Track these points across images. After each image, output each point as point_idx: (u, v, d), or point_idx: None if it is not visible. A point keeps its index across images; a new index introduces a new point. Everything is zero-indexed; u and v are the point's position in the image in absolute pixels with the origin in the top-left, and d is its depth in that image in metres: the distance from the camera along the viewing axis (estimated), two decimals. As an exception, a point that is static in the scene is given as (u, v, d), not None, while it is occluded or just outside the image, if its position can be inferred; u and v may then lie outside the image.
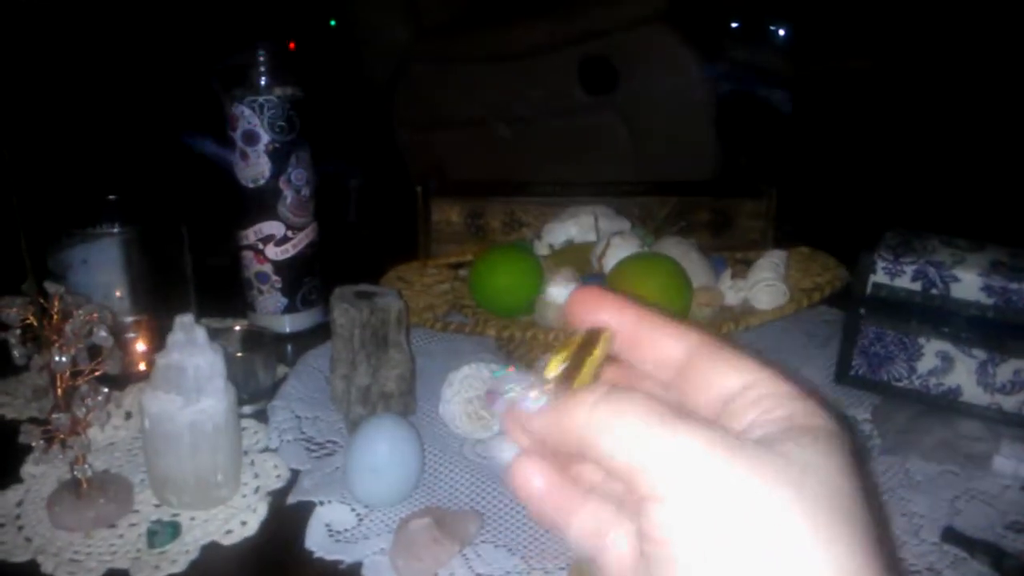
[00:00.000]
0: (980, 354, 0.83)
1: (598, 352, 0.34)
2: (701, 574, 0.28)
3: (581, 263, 0.99)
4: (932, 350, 0.85)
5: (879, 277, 0.86)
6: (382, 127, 2.46)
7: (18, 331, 0.66)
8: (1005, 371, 0.82)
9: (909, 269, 0.84)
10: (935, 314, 0.84)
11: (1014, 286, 0.80)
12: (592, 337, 0.34)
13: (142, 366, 0.93)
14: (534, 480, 0.34)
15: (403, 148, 2.50)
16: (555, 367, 0.33)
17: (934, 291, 0.84)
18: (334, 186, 1.01)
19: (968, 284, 0.82)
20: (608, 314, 0.35)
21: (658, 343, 0.34)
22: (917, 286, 0.84)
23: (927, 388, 0.86)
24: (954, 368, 0.84)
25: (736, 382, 0.32)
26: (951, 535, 0.69)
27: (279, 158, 0.99)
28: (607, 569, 0.34)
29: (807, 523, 0.27)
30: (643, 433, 0.29)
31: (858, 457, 0.30)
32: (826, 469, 0.29)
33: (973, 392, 0.84)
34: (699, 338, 0.34)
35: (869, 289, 0.87)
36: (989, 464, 0.77)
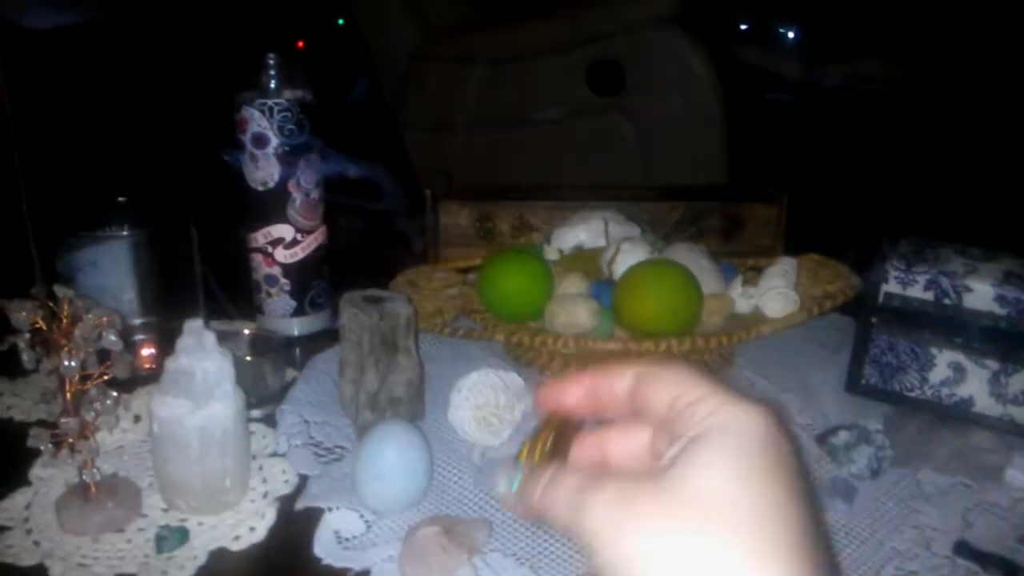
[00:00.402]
0: (993, 365, 0.82)
1: (543, 435, 0.42)
2: None
3: (591, 268, 0.99)
4: (944, 360, 0.84)
5: (891, 286, 0.85)
6: (389, 128, 2.46)
7: (28, 335, 0.66)
8: (1018, 382, 0.82)
9: (922, 279, 0.84)
10: (948, 324, 0.84)
11: (1028, 297, 0.80)
12: (546, 422, 0.42)
13: (150, 368, 0.93)
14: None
15: (408, 149, 2.50)
16: (524, 455, 0.41)
17: (947, 301, 0.83)
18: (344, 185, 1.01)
19: (981, 294, 0.82)
20: (567, 396, 0.42)
21: (609, 389, 0.41)
22: (930, 296, 0.84)
23: (939, 398, 0.85)
24: (966, 379, 0.84)
25: (665, 397, 0.38)
26: (963, 549, 0.68)
27: (289, 161, 0.99)
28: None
29: (727, 548, 0.32)
30: (569, 517, 0.36)
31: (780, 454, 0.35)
32: (721, 473, 0.33)
33: (986, 403, 0.83)
34: (637, 369, 0.40)
35: (881, 298, 0.86)
36: (1002, 476, 0.76)
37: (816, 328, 1.04)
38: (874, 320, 0.87)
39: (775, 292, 0.93)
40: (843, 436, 0.79)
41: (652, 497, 0.34)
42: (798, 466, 0.35)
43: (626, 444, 0.42)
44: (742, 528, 0.32)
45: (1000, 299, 0.81)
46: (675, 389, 0.37)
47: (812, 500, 0.35)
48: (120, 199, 0.97)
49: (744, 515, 0.32)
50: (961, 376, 0.84)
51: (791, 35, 2.94)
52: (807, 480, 0.36)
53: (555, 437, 0.42)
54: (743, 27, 2.88)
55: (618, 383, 0.40)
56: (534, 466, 0.40)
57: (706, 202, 1.16)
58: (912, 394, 0.87)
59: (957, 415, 0.85)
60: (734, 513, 0.32)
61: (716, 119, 2.21)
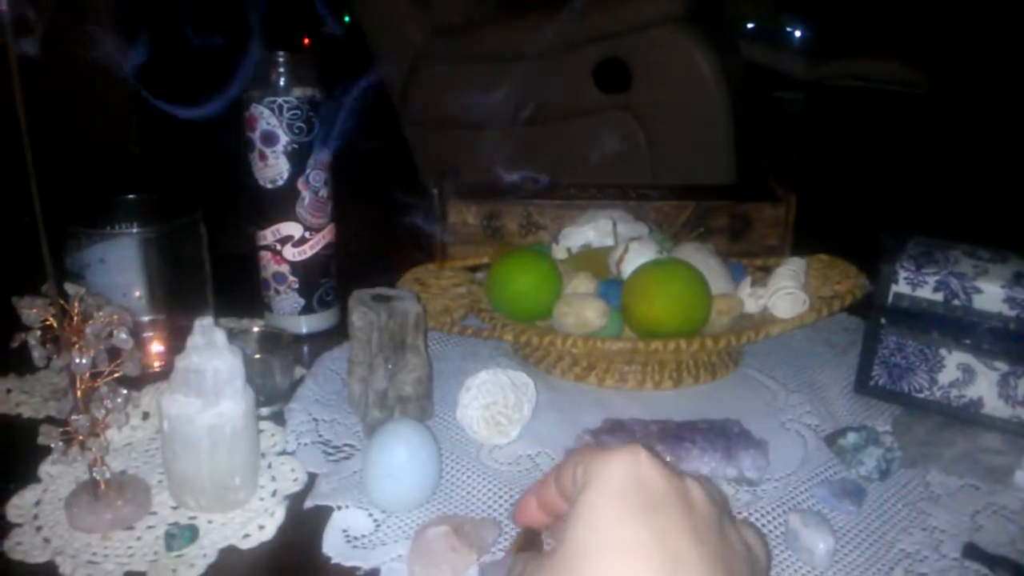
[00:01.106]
0: (1002, 366, 0.82)
1: (518, 540, 0.52)
2: None
3: (599, 268, 0.99)
4: (954, 362, 0.84)
5: (901, 287, 0.85)
6: (395, 126, 2.46)
7: (38, 332, 0.66)
8: (1027, 384, 0.82)
9: (931, 280, 0.84)
10: (957, 325, 0.83)
11: (1038, 298, 0.80)
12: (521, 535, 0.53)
13: (159, 366, 0.93)
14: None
15: (415, 148, 2.50)
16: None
17: (956, 302, 0.83)
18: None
19: (990, 296, 0.82)
20: (529, 515, 0.50)
21: (547, 498, 0.48)
22: (939, 297, 0.84)
23: (948, 400, 0.85)
24: (976, 380, 0.84)
25: (568, 478, 0.45)
26: (972, 551, 0.68)
27: (297, 159, 0.99)
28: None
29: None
30: None
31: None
32: (608, 511, 0.41)
33: (995, 404, 0.83)
34: (548, 475, 0.48)
35: (890, 299, 0.86)
36: (1011, 478, 0.76)
37: (825, 328, 1.04)
38: (883, 321, 0.87)
39: (784, 292, 0.93)
40: (852, 437, 0.79)
41: (548, 560, 0.41)
42: (670, 495, 0.41)
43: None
44: (621, 553, 0.39)
45: (1010, 300, 0.81)
46: (569, 469, 0.44)
47: (697, 523, 0.41)
48: (129, 196, 0.97)
49: (620, 544, 0.39)
50: (970, 377, 0.84)
51: (797, 34, 2.94)
52: (683, 505, 0.42)
53: (525, 537, 0.52)
54: (750, 26, 2.88)
55: (550, 491, 0.47)
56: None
57: (714, 201, 1.16)
58: (921, 395, 0.87)
59: (966, 417, 0.85)
60: (612, 544, 0.39)
61: (723, 118, 2.21)
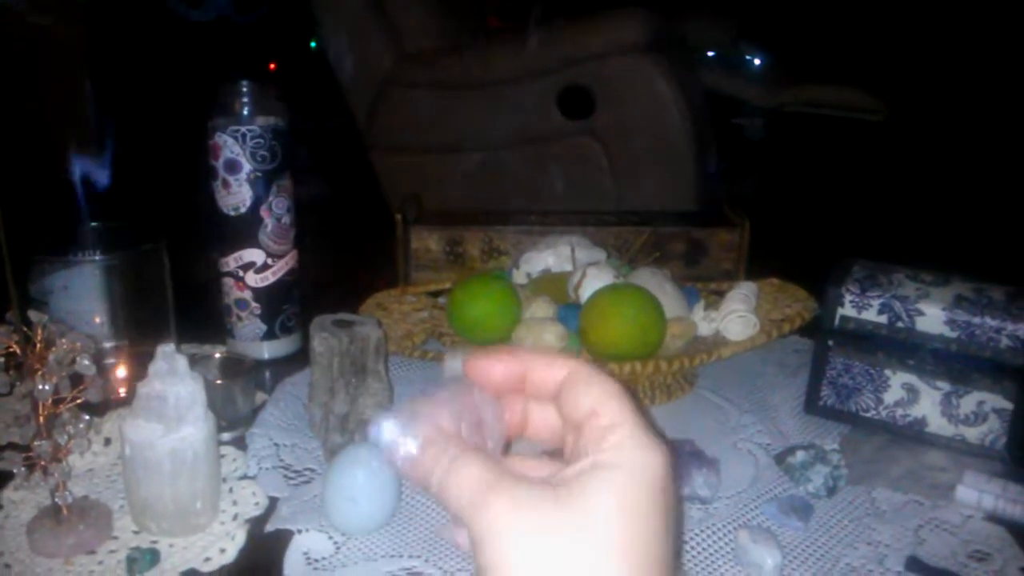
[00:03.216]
0: (944, 386, 0.85)
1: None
2: None
3: (558, 293, 1.01)
4: (898, 382, 0.87)
5: (847, 310, 0.88)
6: (359, 152, 2.48)
7: (1, 359, 0.67)
8: (968, 403, 0.84)
9: (875, 303, 0.87)
10: (901, 347, 0.86)
11: (977, 320, 0.83)
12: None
13: (122, 392, 0.94)
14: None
15: (379, 173, 2.51)
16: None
17: (900, 324, 0.86)
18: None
19: (932, 318, 0.85)
20: (498, 368, 0.42)
21: (540, 375, 0.42)
22: (883, 319, 0.87)
23: (894, 419, 0.88)
24: (919, 400, 0.87)
25: (587, 407, 0.39)
26: (915, 564, 0.71)
27: (260, 187, 1.00)
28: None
29: (587, 557, 0.35)
30: (470, 498, 0.37)
31: (665, 489, 0.37)
32: (612, 504, 0.36)
33: (938, 423, 0.86)
34: (570, 366, 0.41)
35: (837, 322, 0.89)
36: (952, 494, 0.79)
37: (776, 350, 1.07)
38: (831, 343, 0.90)
39: (736, 316, 0.96)
40: (800, 456, 0.82)
41: (547, 503, 0.36)
42: (676, 503, 0.38)
43: (546, 417, 0.43)
44: (623, 553, 0.35)
45: (951, 323, 0.84)
46: (595, 405, 0.39)
47: (679, 533, 0.39)
48: (92, 224, 0.98)
49: (627, 542, 0.35)
50: (914, 397, 0.87)
51: (757, 62, 2.99)
52: (678, 513, 0.40)
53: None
54: (710, 54, 2.93)
55: (551, 373, 0.41)
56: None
57: (670, 228, 1.19)
58: (867, 415, 0.89)
59: (911, 435, 0.87)
60: (619, 538, 0.35)
61: (684, 144, 2.25)
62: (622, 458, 0.37)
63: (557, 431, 0.43)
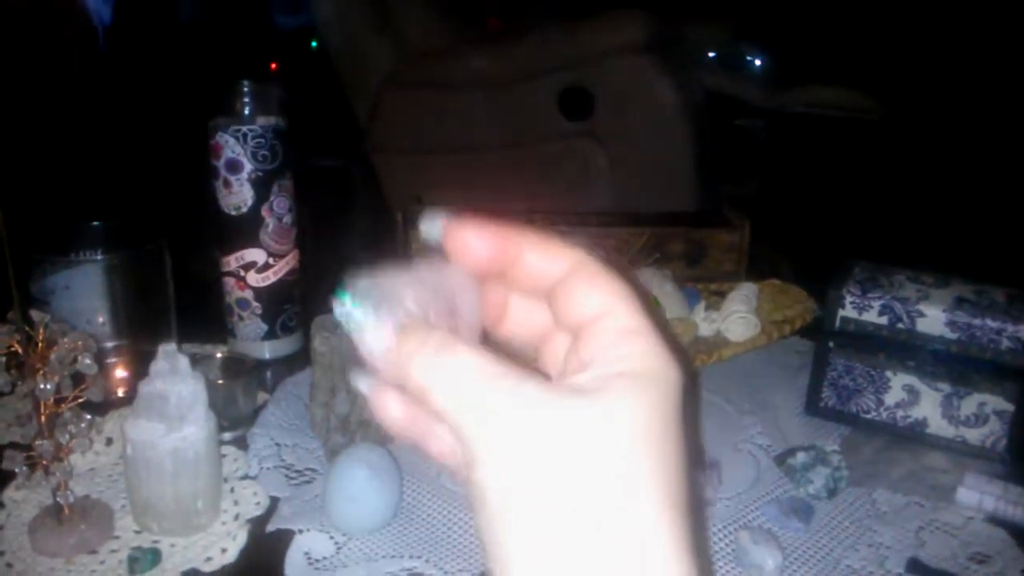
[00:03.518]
0: (945, 387, 0.85)
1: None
2: (512, 530, 0.29)
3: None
4: (899, 383, 0.87)
5: (847, 311, 0.88)
6: (360, 151, 2.48)
7: (3, 358, 0.67)
8: (969, 404, 0.85)
9: (876, 304, 0.87)
10: (901, 348, 0.87)
11: (977, 322, 0.83)
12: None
13: (123, 392, 0.94)
14: (392, 410, 0.35)
15: (380, 174, 2.52)
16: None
17: (900, 326, 0.86)
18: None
19: (933, 319, 0.85)
20: (484, 242, 0.34)
21: (534, 263, 0.34)
22: (884, 321, 0.87)
23: (894, 420, 0.88)
24: (920, 401, 0.87)
25: (594, 308, 0.33)
26: (916, 566, 0.71)
27: (262, 186, 1.00)
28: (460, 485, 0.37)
29: (612, 481, 0.29)
30: (463, 395, 0.31)
31: (681, 406, 0.32)
32: (631, 420, 0.30)
33: (939, 424, 0.86)
34: (578, 257, 0.34)
35: (838, 323, 0.89)
36: (953, 496, 0.79)
37: (777, 351, 1.07)
38: (831, 344, 0.90)
39: (737, 317, 0.96)
40: (801, 457, 0.82)
41: (561, 411, 0.29)
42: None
43: (530, 313, 0.37)
44: (652, 483, 0.29)
45: (951, 324, 0.84)
46: (606, 306, 0.33)
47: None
48: (94, 223, 0.98)
49: (656, 471, 0.29)
50: (915, 398, 0.87)
51: (757, 63, 2.99)
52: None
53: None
54: (711, 55, 2.93)
55: (549, 262, 0.34)
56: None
57: (670, 228, 1.19)
58: (868, 416, 0.89)
59: (911, 436, 0.88)
60: (648, 465, 0.29)
61: (684, 144, 2.25)
62: (649, 369, 0.31)
63: (538, 331, 0.37)
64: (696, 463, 0.79)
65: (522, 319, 0.37)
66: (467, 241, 0.34)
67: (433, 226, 0.34)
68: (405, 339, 0.32)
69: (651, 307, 0.34)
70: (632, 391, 0.30)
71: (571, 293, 0.33)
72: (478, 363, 0.31)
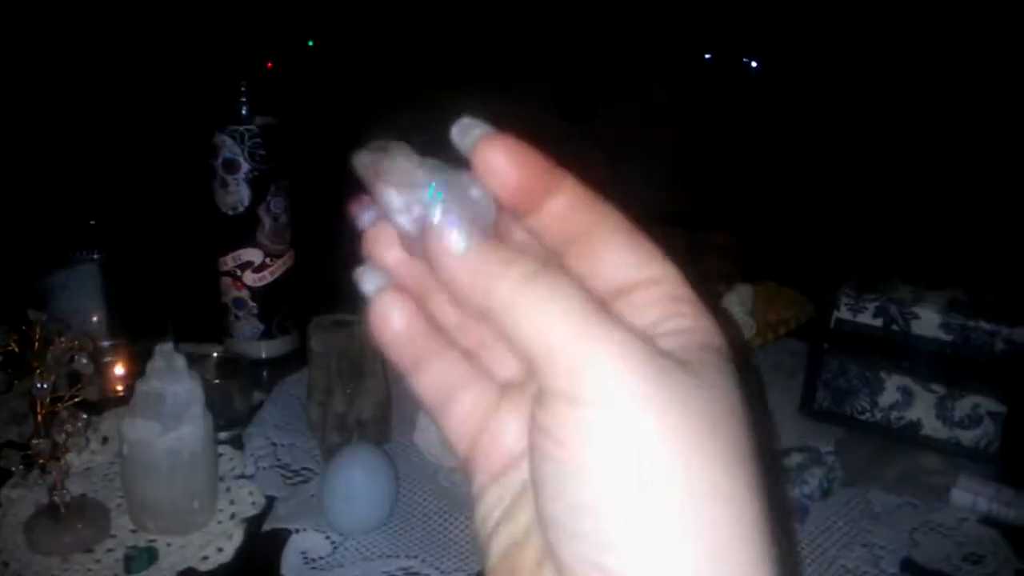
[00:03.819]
0: (939, 389, 0.86)
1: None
2: (600, 485, 0.25)
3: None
4: (893, 384, 0.88)
5: (842, 313, 0.89)
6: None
7: (0, 357, 0.67)
8: (963, 406, 0.85)
9: (871, 306, 0.87)
10: (896, 350, 0.87)
11: (971, 324, 0.83)
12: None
13: (119, 390, 0.94)
14: (394, 321, 0.31)
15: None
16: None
17: (895, 327, 0.86)
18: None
19: (927, 321, 0.85)
20: (518, 167, 0.29)
21: (571, 207, 0.29)
22: (878, 322, 0.87)
23: (889, 421, 0.89)
24: (914, 402, 0.87)
25: (639, 272, 0.29)
26: (909, 566, 0.71)
27: (258, 186, 1.01)
28: (446, 427, 0.32)
29: (710, 452, 0.26)
30: (575, 328, 0.26)
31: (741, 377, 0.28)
32: (725, 393, 0.27)
33: (933, 426, 0.87)
34: (607, 212, 0.30)
35: (832, 324, 0.89)
36: (947, 497, 0.79)
37: (772, 353, 1.07)
38: (826, 345, 0.90)
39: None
40: (796, 458, 0.82)
41: (668, 374, 0.26)
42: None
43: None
44: (746, 461, 0.26)
45: (945, 326, 0.84)
46: (659, 271, 0.29)
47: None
48: (90, 222, 0.98)
49: (749, 450, 0.27)
50: (909, 400, 0.87)
51: (754, 65, 3.00)
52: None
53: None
54: (707, 56, 2.94)
55: (588, 212, 0.29)
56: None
57: (665, 230, 1.19)
58: (863, 417, 0.90)
59: (906, 437, 0.88)
60: (742, 444, 0.26)
61: (679, 149, 2.25)
62: (720, 343, 0.28)
63: None
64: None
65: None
66: (509, 163, 0.28)
67: (467, 134, 0.29)
68: (496, 248, 0.28)
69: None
70: (722, 367, 0.27)
71: (607, 251, 0.29)
72: (583, 293, 0.27)
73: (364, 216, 0.31)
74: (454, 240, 0.27)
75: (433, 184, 0.28)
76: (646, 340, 0.26)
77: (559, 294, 0.26)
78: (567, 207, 0.29)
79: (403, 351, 0.32)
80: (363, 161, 0.29)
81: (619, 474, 0.25)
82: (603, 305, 0.27)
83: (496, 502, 0.30)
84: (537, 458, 0.27)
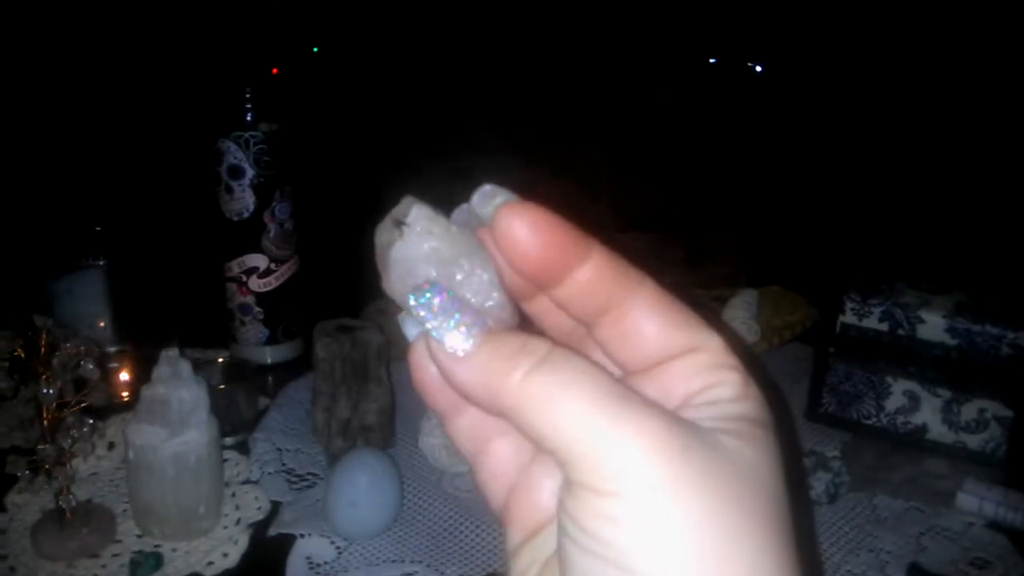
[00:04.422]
0: (945, 393, 0.85)
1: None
2: (635, 570, 0.24)
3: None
4: (899, 389, 0.87)
5: (848, 317, 0.88)
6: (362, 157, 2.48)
7: (6, 362, 0.68)
8: (969, 410, 0.85)
9: (876, 310, 0.87)
10: (902, 354, 0.87)
11: (977, 328, 0.83)
12: None
13: (125, 396, 0.94)
14: (430, 370, 0.29)
15: (381, 178, 2.51)
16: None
17: (900, 332, 0.86)
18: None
19: (933, 326, 0.85)
20: (541, 239, 0.27)
21: (587, 273, 0.27)
22: (884, 327, 0.87)
23: (895, 426, 0.88)
24: (920, 407, 0.87)
25: (680, 341, 0.28)
26: (916, 571, 0.71)
27: (264, 192, 1.01)
28: (480, 476, 0.31)
29: (736, 534, 0.25)
30: (590, 419, 0.25)
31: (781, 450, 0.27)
32: (757, 466, 0.26)
33: (939, 430, 0.86)
34: (641, 279, 0.28)
35: (838, 329, 0.89)
36: (953, 501, 0.79)
37: (777, 357, 1.07)
38: (832, 350, 0.90)
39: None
40: (802, 462, 0.82)
41: (698, 457, 0.25)
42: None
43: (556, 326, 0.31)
44: (781, 547, 0.26)
45: (951, 330, 0.84)
46: (699, 339, 0.28)
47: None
48: (96, 228, 0.98)
49: (785, 535, 0.26)
50: (915, 404, 0.87)
51: (758, 68, 3.00)
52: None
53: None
54: (711, 60, 2.94)
55: (619, 286, 0.28)
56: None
57: (670, 234, 1.19)
58: (869, 422, 0.90)
59: (911, 442, 0.88)
60: (778, 530, 0.26)
61: (685, 153, 2.25)
62: (764, 415, 0.27)
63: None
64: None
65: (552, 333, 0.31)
66: (525, 231, 0.27)
67: (487, 202, 0.28)
68: (498, 344, 0.27)
69: (736, 340, 0.28)
70: (760, 444, 0.26)
71: (644, 320, 0.28)
72: (596, 376, 0.26)
73: (407, 327, 0.29)
74: (453, 345, 0.26)
75: (428, 291, 0.26)
76: (669, 419, 0.25)
77: (571, 383, 0.25)
78: (595, 276, 0.28)
79: (440, 397, 0.30)
80: (380, 240, 0.29)
81: (644, 564, 0.24)
82: (619, 385, 0.26)
83: (529, 564, 0.30)
84: (565, 540, 0.26)
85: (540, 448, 0.26)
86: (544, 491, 0.30)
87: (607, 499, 0.25)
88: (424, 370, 0.29)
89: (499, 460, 0.31)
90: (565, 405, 0.25)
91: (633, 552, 0.24)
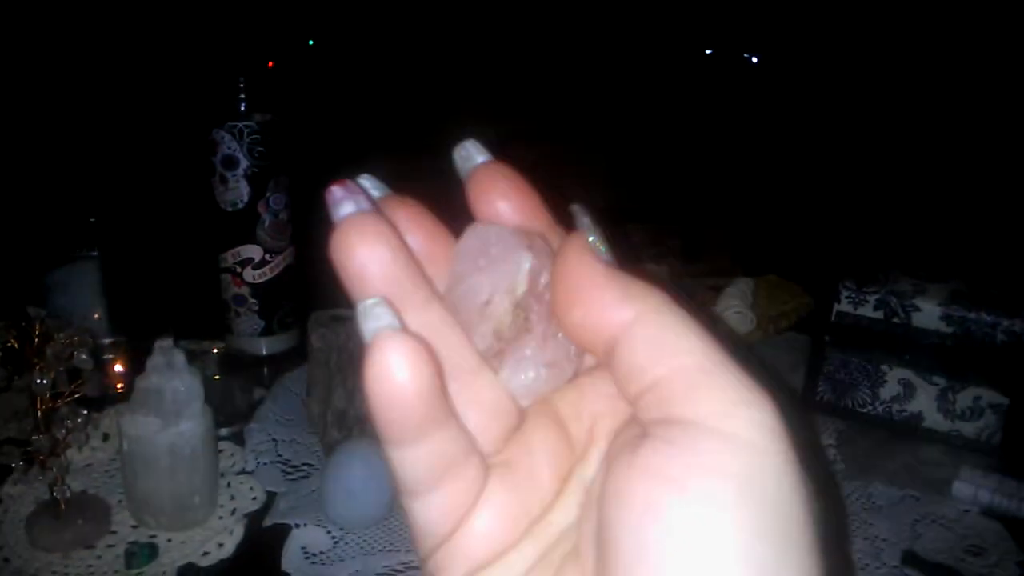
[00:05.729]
0: (940, 381, 0.86)
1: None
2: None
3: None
4: (895, 377, 0.88)
5: (843, 306, 0.89)
6: (357, 148, 2.48)
7: (0, 353, 0.67)
8: (965, 398, 0.85)
9: (872, 298, 0.87)
10: (897, 342, 0.87)
11: (972, 315, 0.83)
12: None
13: (120, 387, 0.94)
14: (400, 376, 0.24)
15: (375, 170, 2.50)
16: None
17: (896, 320, 0.86)
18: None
19: (928, 313, 0.85)
20: (512, 202, 0.27)
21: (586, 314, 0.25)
22: (879, 315, 0.87)
23: (890, 414, 0.88)
24: (916, 395, 0.87)
25: (663, 365, 0.24)
26: (911, 559, 0.71)
27: (258, 183, 1.00)
28: (418, 518, 0.27)
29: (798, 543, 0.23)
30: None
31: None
32: (737, 497, 0.23)
33: (934, 418, 0.87)
34: (638, 309, 0.25)
35: (833, 317, 0.89)
36: (948, 489, 0.79)
37: (773, 345, 1.07)
38: (827, 338, 0.90)
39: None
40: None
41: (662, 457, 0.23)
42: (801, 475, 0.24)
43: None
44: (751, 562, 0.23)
45: (947, 318, 0.84)
46: (677, 356, 0.24)
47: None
48: (90, 219, 0.98)
49: (759, 554, 0.23)
50: (911, 392, 0.87)
51: (755, 60, 2.99)
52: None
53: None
54: (707, 52, 2.93)
55: (606, 314, 0.25)
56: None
57: (667, 224, 1.19)
58: (864, 410, 0.90)
59: (907, 430, 0.88)
60: (748, 549, 0.23)
61: (679, 144, 2.25)
62: (735, 425, 0.23)
63: None
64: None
65: None
66: (497, 193, 0.27)
67: (468, 158, 0.28)
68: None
69: (728, 335, 0.26)
70: (719, 455, 0.23)
71: (632, 351, 0.25)
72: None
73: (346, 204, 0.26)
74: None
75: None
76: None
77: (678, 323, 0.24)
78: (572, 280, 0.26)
79: (406, 414, 0.25)
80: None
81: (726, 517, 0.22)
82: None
83: None
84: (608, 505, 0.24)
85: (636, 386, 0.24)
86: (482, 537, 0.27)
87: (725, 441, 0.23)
88: (389, 381, 0.24)
89: (447, 498, 0.27)
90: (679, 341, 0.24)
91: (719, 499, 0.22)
